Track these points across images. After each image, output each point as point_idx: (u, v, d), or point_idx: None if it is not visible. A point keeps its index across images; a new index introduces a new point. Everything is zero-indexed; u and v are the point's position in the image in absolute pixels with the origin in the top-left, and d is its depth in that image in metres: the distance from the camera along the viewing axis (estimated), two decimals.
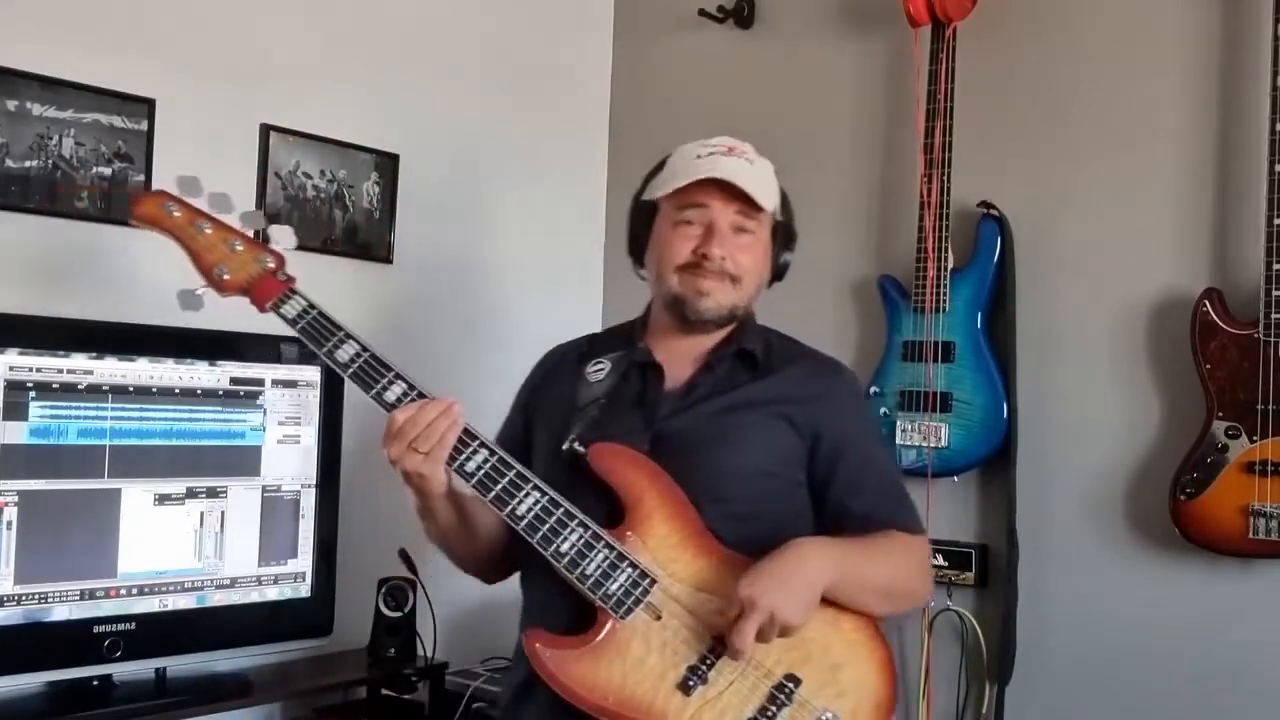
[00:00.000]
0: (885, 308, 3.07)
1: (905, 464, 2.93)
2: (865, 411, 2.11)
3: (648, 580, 1.80)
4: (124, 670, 2.46)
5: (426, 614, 2.89)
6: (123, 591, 2.44)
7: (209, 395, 2.56)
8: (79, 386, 2.39)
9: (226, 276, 1.83)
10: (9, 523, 2.30)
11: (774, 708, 1.78)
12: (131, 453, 2.45)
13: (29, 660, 2.33)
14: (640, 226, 2.03)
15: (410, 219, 3.17)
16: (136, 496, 2.46)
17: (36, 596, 2.33)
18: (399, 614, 2.86)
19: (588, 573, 1.78)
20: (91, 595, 2.40)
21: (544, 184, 3.55)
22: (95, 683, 2.43)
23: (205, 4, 2.78)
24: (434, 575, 2.88)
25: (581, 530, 1.79)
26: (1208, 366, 2.62)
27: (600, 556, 1.79)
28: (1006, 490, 2.93)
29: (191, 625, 2.53)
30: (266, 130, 2.88)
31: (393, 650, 2.85)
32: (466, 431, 1.78)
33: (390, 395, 1.79)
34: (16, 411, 2.31)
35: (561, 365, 2.07)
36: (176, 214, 1.83)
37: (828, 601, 1.79)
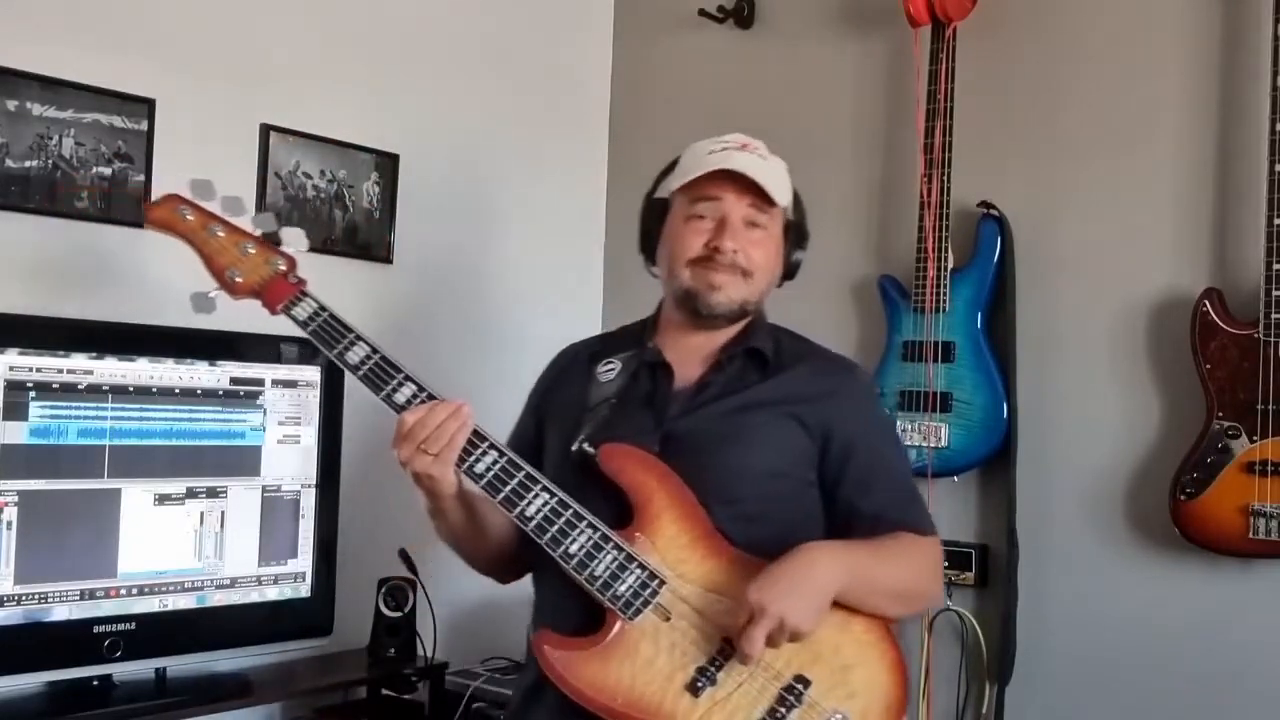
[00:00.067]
0: (885, 308, 3.07)
1: None
2: (877, 410, 2.09)
3: (656, 581, 1.79)
4: (124, 670, 2.45)
5: (426, 614, 2.89)
6: (123, 591, 2.43)
7: (209, 395, 2.55)
8: (79, 386, 2.38)
9: (239, 279, 1.83)
10: (9, 523, 2.29)
11: (783, 709, 1.77)
12: (131, 453, 2.45)
13: (29, 660, 2.33)
14: (652, 223, 2.02)
15: (410, 219, 3.17)
16: (136, 496, 2.45)
17: (36, 596, 2.33)
18: (399, 614, 2.85)
19: (596, 574, 1.78)
20: (91, 595, 2.39)
21: (544, 184, 3.54)
22: (95, 683, 2.42)
23: (205, 4, 2.78)
24: (434, 575, 2.88)
25: (590, 531, 1.79)
26: (1208, 366, 2.62)
27: (609, 557, 1.78)
28: (1006, 490, 2.94)
29: (191, 625, 2.53)
30: (266, 130, 2.88)
31: (393, 650, 2.85)
32: (476, 433, 1.78)
33: (400, 397, 1.79)
34: (16, 411, 2.30)
35: (573, 365, 2.07)
36: (190, 218, 1.84)
37: (839, 603, 1.79)
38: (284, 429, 2.66)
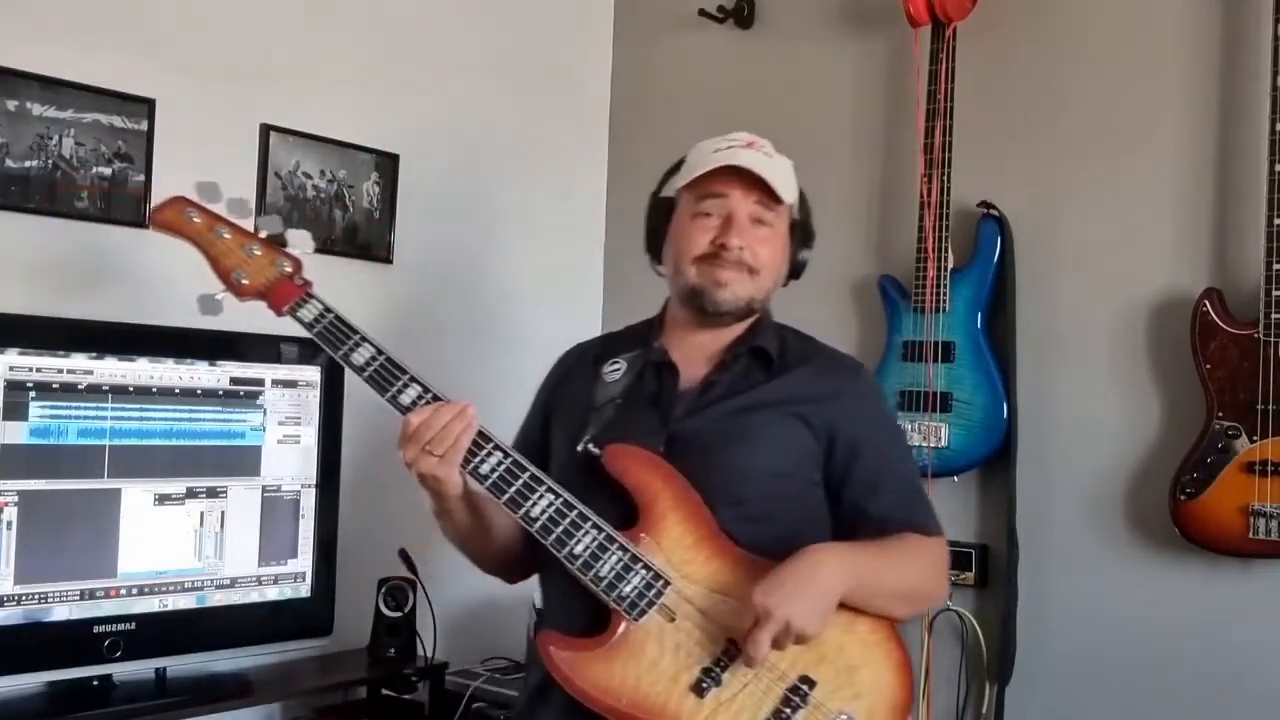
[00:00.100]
0: (885, 308, 3.07)
1: None
2: (883, 411, 2.08)
3: (661, 582, 1.79)
4: (124, 670, 2.45)
5: (426, 614, 2.89)
6: (123, 591, 2.43)
7: (209, 395, 2.55)
8: (79, 386, 2.38)
9: (245, 281, 1.83)
10: (9, 523, 2.29)
11: (788, 710, 1.77)
12: (131, 453, 2.44)
13: (29, 660, 2.33)
14: (658, 222, 2.02)
15: (410, 219, 3.17)
16: (136, 496, 2.45)
17: (36, 596, 2.32)
18: (399, 614, 2.85)
19: (601, 574, 1.78)
20: (91, 595, 2.39)
21: (544, 184, 3.54)
22: (95, 683, 2.42)
23: (205, 4, 2.77)
24: (434, 575, 2.88)
25: (595, 532, 1.78)
26: (1208, 366, 2.63)
27: (614, 558, 1.78)
28: (1006, 490, 2.94)
29: (191, 625, 2.52)
30: (266, 130, 2.87)
31: (393, 650, 2.85)
32: (481, 434, 1.78)
33: (405, 398, 1.79)
34: (16, 411, 2.30)
35: (579, 364, 2.07)
36: (196, 220, 1.84)
37: (844, 604, 1.78)
38: (284, 429, 2.66)
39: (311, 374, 2.69)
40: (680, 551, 1.81)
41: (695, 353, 1.98)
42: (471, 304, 3.33)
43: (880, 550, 1.86)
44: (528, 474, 1.79)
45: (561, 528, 1.79)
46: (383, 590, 2.85)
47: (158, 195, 2.59)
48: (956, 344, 2.94)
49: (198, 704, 2.48)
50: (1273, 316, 2.53)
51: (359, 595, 2.83)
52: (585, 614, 1.81)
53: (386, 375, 1.80)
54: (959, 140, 2.93)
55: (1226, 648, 2.69)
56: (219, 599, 2.56)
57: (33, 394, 2.32)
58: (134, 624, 2.43)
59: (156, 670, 2.50)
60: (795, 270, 2.05)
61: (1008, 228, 2.96)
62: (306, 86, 2.95)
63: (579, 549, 1.78)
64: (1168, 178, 2.82)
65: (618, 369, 1.97)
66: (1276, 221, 2.53)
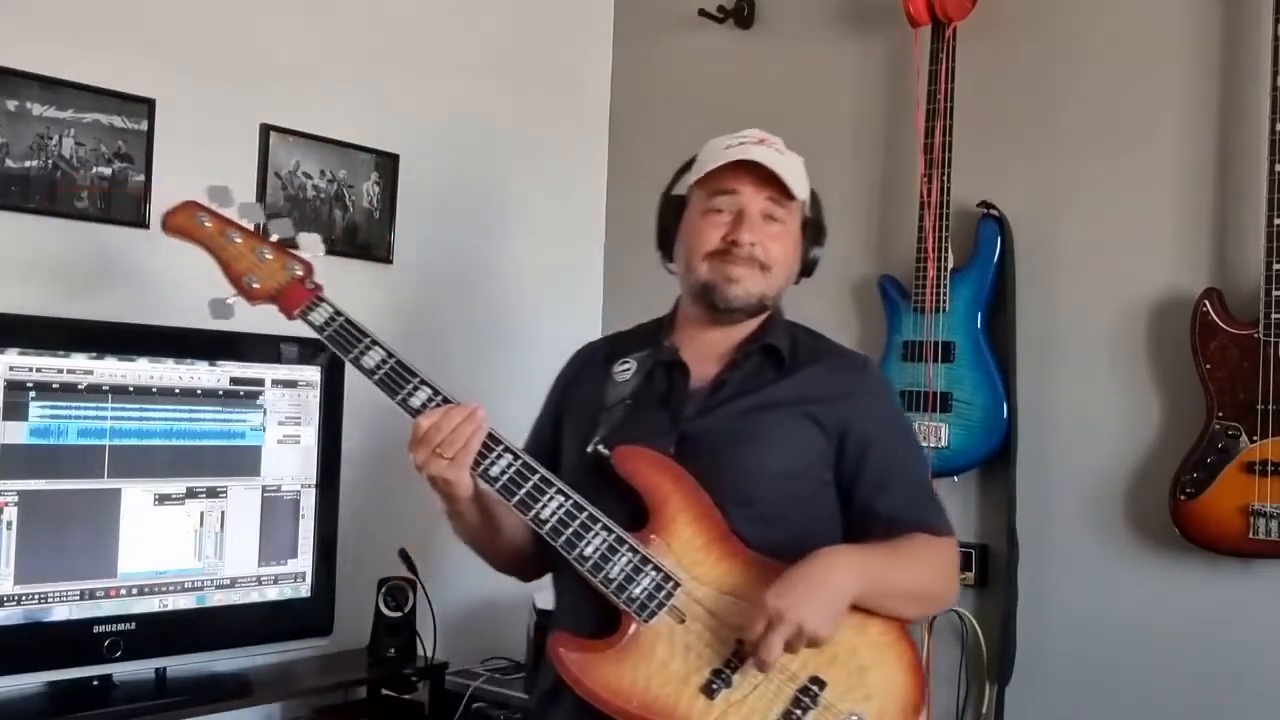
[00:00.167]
0: (885, 308, 3.08)
1: None
2: (893, 409, 2.07)
3: (671, 583, 1.79)
4: (124, 670, 2.45)
5: (426, 614, 2.88)
6: (123, 591, 2.42)
7: (209, 395, 2.55)
8: (79, 386, 2.37)
9: (255, 285, 1.83)
10: (9, 523, 2.29)
11: (799, 711, 1.77)
12: (131, 453, 2.44)
13: (29, 660, 2.32)
14: (669, 220, 2.01)
15: (410, 219, 3.16)
16: (136, 496, 2.44)
17: (36, 596, 2.32)
18: (399, 614, 2.85)
19: (611, 576, 1.77)
20: (91, 595, 2.38)
21: (544, 184, 3.54)
22: (95, 683, 2.42)
23: (205, 4, 2.77)
24: (434, 575, 2.88)
25: (605, 534, 1.78)
26: (1208, 366, 2.63)
27: (624, 560, 1.78)
28: (1006, 490, 2.94)
29: (191, 625, 2.52)
30: (266, 130, 2.87)
31: (393, 650, 2.85)
32: (491, 436, 1.78)
33: (416, 401, 1.78)
34: (16, 411, 2.30)
35: (590, 364, 2.06)
36: (208, 224, 1.85)
37: (855, 605, 1.78)
38: (284, 429, 2.66)
39: (311, 374, 2.68)
40: (691, 553, 1.81)
41: (706, 351, 1.97)
42: (471, 304, 3.33)
43: (891, 552, 1.85)
44: (538, 476, 1.79)
45: (571, 529, 1.78)
46: (383, 590, 2.84)
47: (158, 195, 2.60)
48: (956, 344, 2.94)
49: (198, 704, 2.48)
50: (1273, 316, 2.54)
51: (359, 595, 2.83)
52: (596, 615, 1.80)
53: (397, 378, 1.79)
54: (959, 140, 2.93)
55: (1226, 648, 2.70)
56: (219, 599, 2.56)
57: (33, 394, 2.31)
58: (134, 624, 2.43)
59: (156, 670, 2.49)
60: (807, 268, 2.04)
61: (1008, 228, 2.97)
62: (306, 86, 2.94)
63: (589, 551, 1.78)
64: (1168, 178, 2.83)
65: (628, 369, 1.96)
66: (1276, 221, 2.53)
